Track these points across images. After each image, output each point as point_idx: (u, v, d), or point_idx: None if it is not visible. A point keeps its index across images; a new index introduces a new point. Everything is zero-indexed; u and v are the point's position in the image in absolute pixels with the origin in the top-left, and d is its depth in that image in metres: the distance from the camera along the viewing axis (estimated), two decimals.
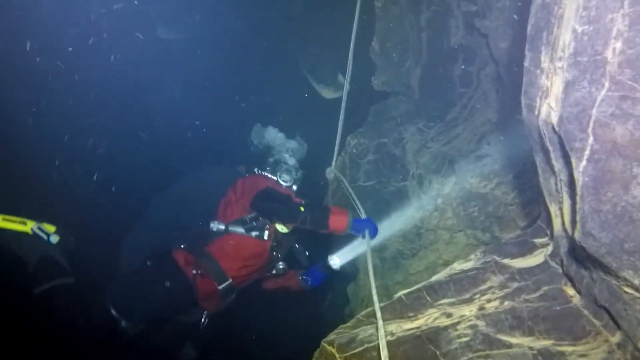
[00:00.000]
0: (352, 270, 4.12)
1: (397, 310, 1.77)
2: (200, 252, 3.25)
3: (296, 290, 3.89)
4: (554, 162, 1.28)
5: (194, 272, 3.11)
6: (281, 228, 3.28)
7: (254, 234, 3.21)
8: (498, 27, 2.60)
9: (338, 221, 3.02)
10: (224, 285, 3.21)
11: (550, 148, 1.25)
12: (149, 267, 3.08)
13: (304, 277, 3.79)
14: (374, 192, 3.72)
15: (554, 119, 1.13)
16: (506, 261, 1.73)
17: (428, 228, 3.49)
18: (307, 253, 3.85)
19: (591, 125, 0.98)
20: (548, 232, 1.70)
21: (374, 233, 3.06)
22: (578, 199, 1.09)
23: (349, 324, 1.88)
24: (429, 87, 3.45)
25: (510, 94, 2.89)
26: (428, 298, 1.75)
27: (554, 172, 1.32)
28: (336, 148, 3.67)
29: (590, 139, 1.00)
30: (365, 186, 3.70)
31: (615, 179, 0.97)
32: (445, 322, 1.62)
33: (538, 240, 1.74)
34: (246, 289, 3.59)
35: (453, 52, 3.21)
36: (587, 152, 1.02)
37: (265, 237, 3.24)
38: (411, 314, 1.72)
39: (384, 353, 1.49)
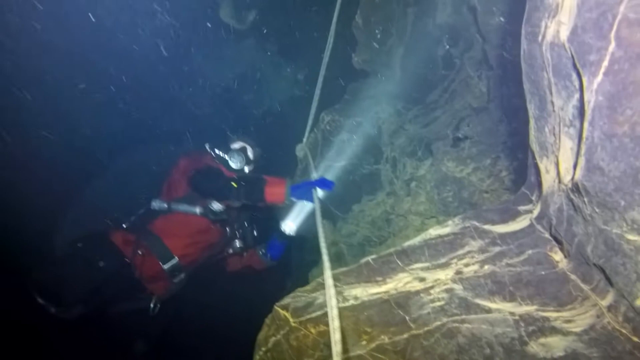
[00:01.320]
0: (314, 251, 3.94)
1: (363, 275, 1.59)
2: (142, 230, 3.06)
3: (261, 268, 3.67)
4: (554, 98, 1.13)
5: (137, 252, 2.93)
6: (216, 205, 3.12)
7: (199, 211, 3.09)
8: (489, 0, 2.49)
9: (275, 191, 2.87)
10: (169, 264, 3.05)
11: (553, 80, 1.10)
12: (79, 249, 2.83)
13: (263, 252, 3.58)
14: (344, 173, 3.55)
15: (564, 35, 0.98)
16: (487, 227, 1.58)
17: (399, 213, 3.34)
18: (255, 233, 3.63)
19: (615, 27, 0.83)
20: (533, 198, 1.56)
21: (327, 186, 2.88)
22: (586, 126, 0.94)
23: (307, 287, 1.68)
24: (411, 68, 3.32)
25: (496, 75, 2.79)
26: (399, 262, 1.58)
27: (552, 112, 1.17)
28: (309, 123, 3.48)
29: (612, 46, 0.85)
30: (336, 166, 3.53)
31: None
32: (417, 286, 1.44)
33: (522, 207, 1.59)
34: (202, 274, 3.37)
35: (438, 31, 3.09)
36: (605, 63, 0.87)
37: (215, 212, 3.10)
38: (379, 278, 1.54)
39: (333, 312, 1.29)
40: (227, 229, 3.32)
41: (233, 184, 2.89)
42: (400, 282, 1.49)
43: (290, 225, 3.37)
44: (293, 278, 4.20)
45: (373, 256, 1.65)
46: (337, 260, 3.62)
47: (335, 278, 1.60)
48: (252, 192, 2.88)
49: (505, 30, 2.49)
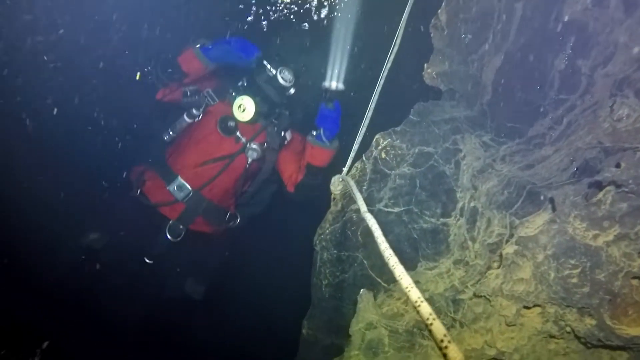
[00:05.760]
0: (338, 339, 2.73)
1: None
2: (155, 160, 3.23)
3: (323, 161, 3.07)
4: None
5: (142, 177, 3.09)
6: (241, 116, 3.05)
7: (187, 118, 3.17)
8: None
9: (185, 57, 2.94)
10: (174, 184, 3.06)
11: None
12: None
13: (314, 134, 3.04)
14: (398, 224, 2.47)
15: None
16: None
17: (478, 293, 2.21)
18: (276, 129, 3.29)
19: None
20: None
21: (247, 52, 2.99)
22: None
23: None
24: (509, 86, 2.37)
25: None
26: None
27: None
28: (354, 148, 2.48)
29: None
30: (387, 213, 2.46)
31: None
32: None
33: None
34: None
35: (562, 34, 2.17)
36: None
37: (198, 113, 3.14)
38: None
39: None
40: (239, 133, 3.12)
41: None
42: None
43: (334, 81, 2.87)
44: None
45: None
46: (373, 353, 2.44)
47: None
48: (165, 66, 2.96)
49: None
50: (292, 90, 3.16)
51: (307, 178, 3.10)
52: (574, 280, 1.87)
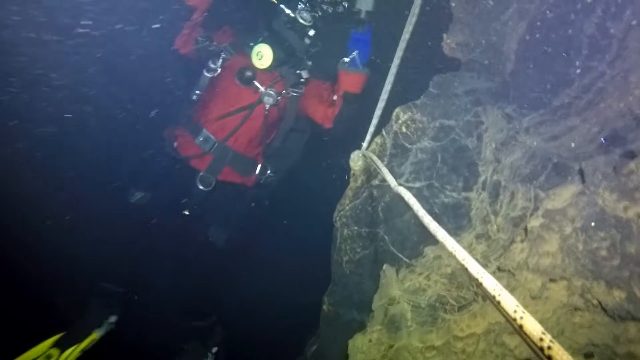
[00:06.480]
0: (359, 314, 2.75)
1: None
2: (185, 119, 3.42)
3: (357, 87, 3.10)
4: None
5: (174, 134, 3.31)
6: (259, 64, 3.10)
7: (207, 73, 3.24)
8: None
9: None
10: (201, 136, 3.21)
11: None
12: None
13: (346, 61, 3.03)
14: (419, 199, 2.42)
15: None
16: None
17: (502, 267, 2.19)
18: (299, 72, 3.32)
19: None
20: None
21: None
22: None
23: None
24: (533, 55, 2.28)
25: None
26: None
27: None
28: (373, 123, 2.43)
29: None
30: (409, 188, 2.42)
31: None
32: None
33: None
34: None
35: None
36: None
37: (216, 67, 3.21)
38: None
39: None
40: (257, 83, 3.18)
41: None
42: None
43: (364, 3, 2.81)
44: (330, 339, 2.99)
45: None
46: (395, 328, 2.45)
47: None
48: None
49: None
50: (312, 32, 3.13)
51: (344, 108, 3.13)
52: (603, 253, 1.83)
